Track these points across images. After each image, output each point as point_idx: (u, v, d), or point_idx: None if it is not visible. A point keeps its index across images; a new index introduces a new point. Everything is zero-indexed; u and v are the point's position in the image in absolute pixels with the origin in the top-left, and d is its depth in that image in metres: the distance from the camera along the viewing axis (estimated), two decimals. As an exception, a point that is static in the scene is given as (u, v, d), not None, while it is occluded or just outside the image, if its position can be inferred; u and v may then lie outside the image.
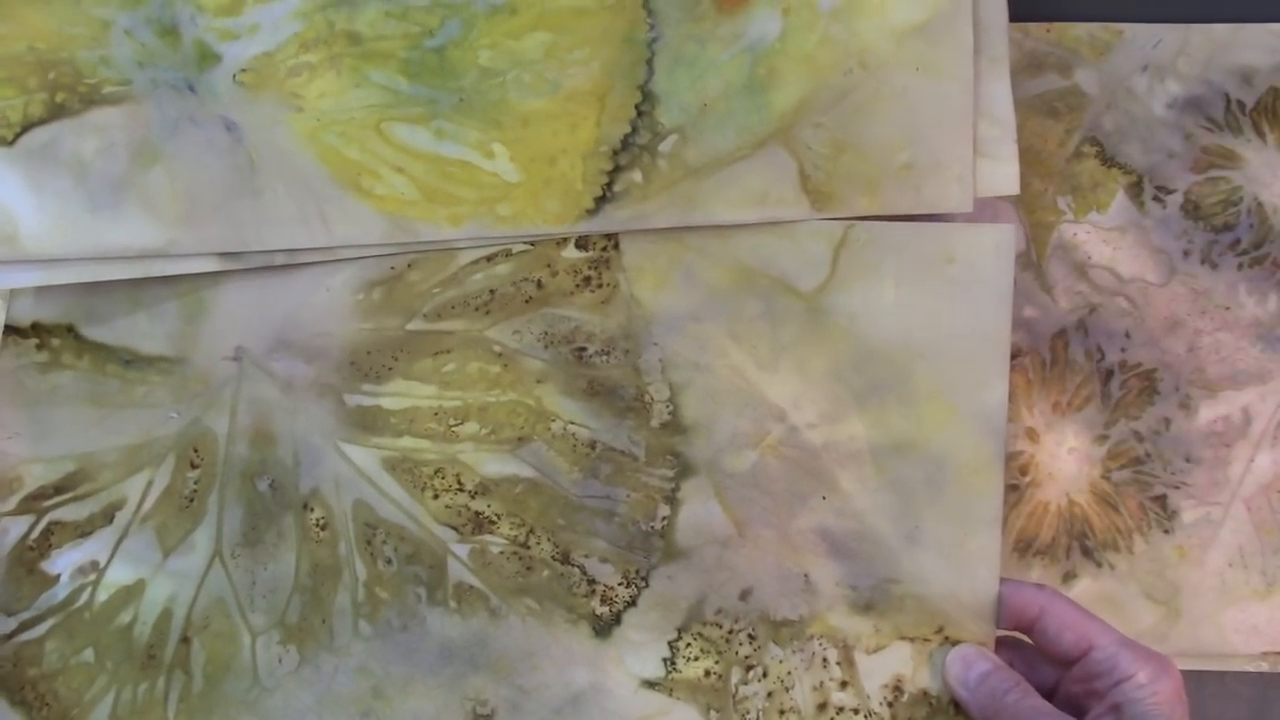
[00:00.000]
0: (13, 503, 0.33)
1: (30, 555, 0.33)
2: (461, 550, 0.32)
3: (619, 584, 0.32)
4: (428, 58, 0.31)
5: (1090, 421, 0.37)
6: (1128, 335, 0.37)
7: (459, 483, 0.32)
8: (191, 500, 0.33)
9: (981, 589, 0.32)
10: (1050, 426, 0.37)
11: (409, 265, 0.32)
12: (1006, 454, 0.32)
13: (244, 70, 0.31)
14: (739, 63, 0.31)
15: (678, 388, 0.32)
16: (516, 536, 0.32)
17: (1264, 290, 0.37)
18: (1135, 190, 0.38)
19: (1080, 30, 0.38)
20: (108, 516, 0.33)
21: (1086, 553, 0.36)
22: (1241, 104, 0.38)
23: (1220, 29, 0.38)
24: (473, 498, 0.32)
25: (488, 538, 0.32)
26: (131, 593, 0.33)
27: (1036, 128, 0.38)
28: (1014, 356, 0.37)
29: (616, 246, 0.32)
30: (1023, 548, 0.36)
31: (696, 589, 0.32)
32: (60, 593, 0.33)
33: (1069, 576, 0.36)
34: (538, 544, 0.32)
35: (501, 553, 0.32)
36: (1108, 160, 0.38)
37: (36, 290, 0.32)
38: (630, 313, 0.32)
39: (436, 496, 0.32)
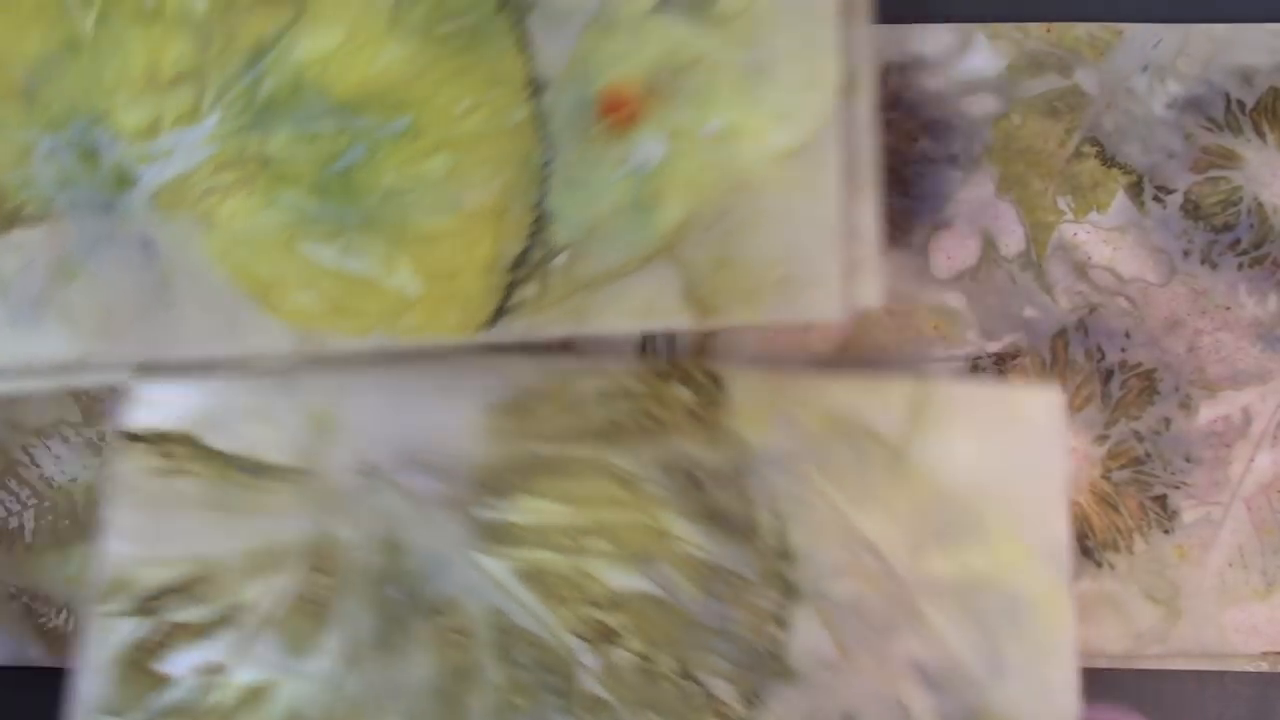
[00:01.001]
0: (126, 602, 0.32)
1: (143, 656, 0.32)
2: (591, 661, 0.33)
3: (737, 702, 0.33)
4: (335, 180, 0.32)
5: (1090, 421, 0.37)
6: (1128, 335, 0.37)
7: (588, 595, 0.33)
8: (319, 604, 0.32)
9: (1063, 716, 0.32)
10: (1050, 426, 0.37)
11: (536, 397, 0.33)
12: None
13: (160, 192, 0.32)
14: (627, 184, 0.32)
15: (783, 518, 0.33)
16: (642, 650, 0.33)
17: (1264, 290, 0.37)
18: (1135, 190, 0.38)
19: (1080, 30, 0.38)
20: (229, 619, 0.32)
21: (1086, 553, 0.36)
22: (1241, 104, 0.38)
23: (1220, 29, 0.38)
24: (602, 610, 0.33)
25: (615, 650, 0.33)
26: (257, 695, 0.32)
27: (1036, 128, 0.38)
28: (1014, 357, 0.37)
29: (722, 388, 0.33)
30: (1023, 548, 0.36)
31: (807, 711, 0.33)
32: (177, 694, 0.32)
33: (1069, 576, 0.36)
34: (662, 659, 0.33)
35: (628, 665, 0.33)
36: (1108, 160, 0.38)
37: (154, 399, 0.33)
38: (737, 449, 0.33)
39: (567, 607, 0.33)
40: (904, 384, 0.34)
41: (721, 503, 0.33)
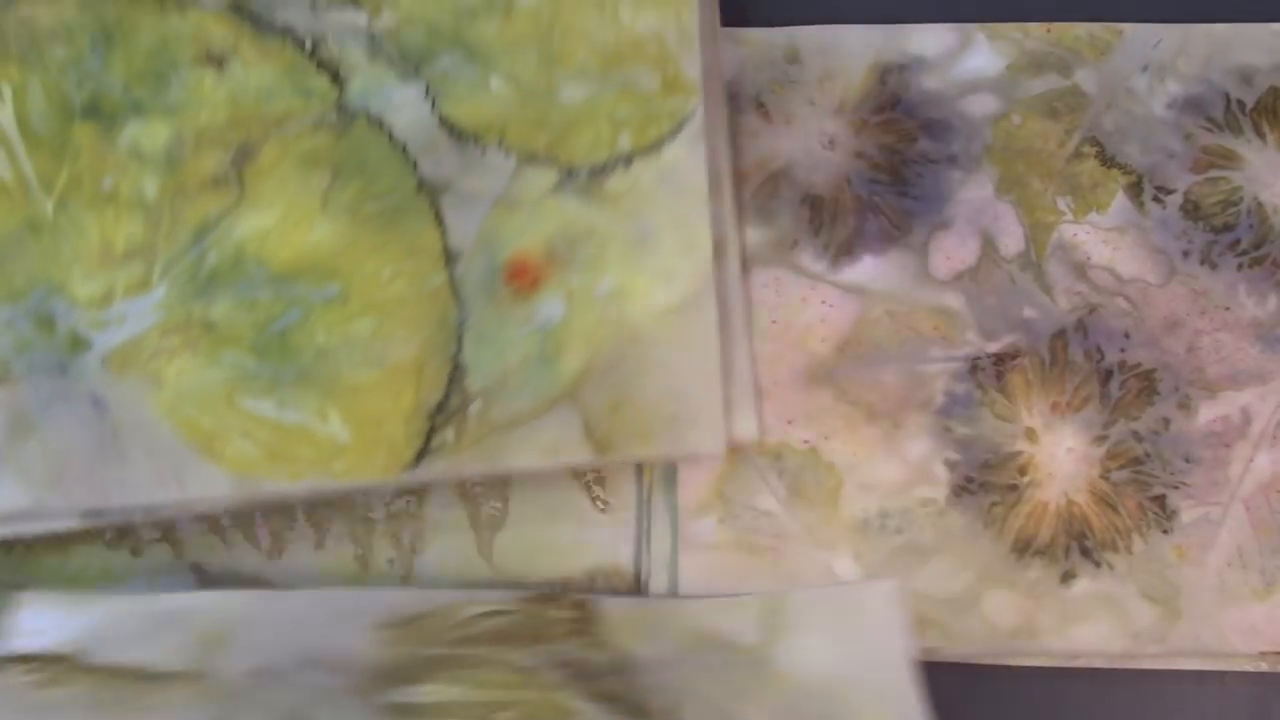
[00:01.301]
0: None
1: None
2: None
3: None
4: (272, 340, 0.36)
5: (1089, 422, 0.37)
6: (1127, 335, 0.37)
7: None
8: None
9: None
10: (1049, 427, 0.37)
11: (421, 615, 0.36)
12: None
13: (112, 355, 0.35)
14: (532, 339, 0.36)
15: (672, 706, 0.35)
16: None
17: (1264, 290, 0.37)
18: (1135, 190, 0.38)
19: (1080, 30, 0.38)
20: None
21: (1085, 553, 0.36)
22: (1241, 104, 0.38)
23: (1220, 29, 0.38)
24: None
25: None
26: None
27: (1036, 128, 0.38)
28: (1013, 357, 0.37)
29: (591, 612, 0.36)
30: (1021, 548, 0.36)
31: None
32: None
33: (1068, 576, 0.36)
34: None
35: None
36: (1108, 160, 0.38)
37: (33, 628, 0.35)
38: (617, 654, 0.36)
39: None
40: (753, 600, 0.37)
41: (614, 689, 0.35)
